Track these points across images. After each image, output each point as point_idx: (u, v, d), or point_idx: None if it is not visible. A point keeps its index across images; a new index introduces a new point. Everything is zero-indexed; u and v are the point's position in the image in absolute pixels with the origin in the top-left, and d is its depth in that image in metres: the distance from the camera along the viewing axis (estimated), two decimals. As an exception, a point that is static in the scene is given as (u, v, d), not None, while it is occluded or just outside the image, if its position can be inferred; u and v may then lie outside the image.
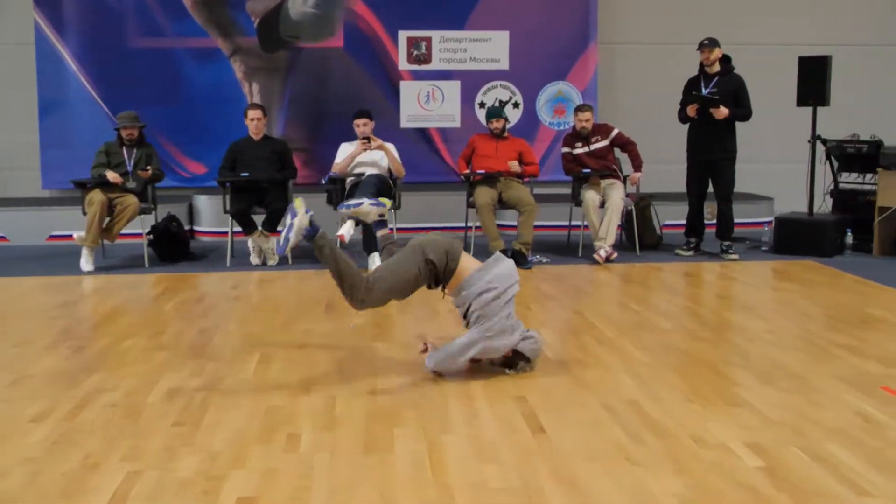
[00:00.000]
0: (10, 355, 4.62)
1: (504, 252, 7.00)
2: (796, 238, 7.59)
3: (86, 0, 8.94)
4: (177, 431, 3.51)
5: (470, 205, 7.45)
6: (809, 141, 7.79)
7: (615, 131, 7.64)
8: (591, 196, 7.37)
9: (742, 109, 7.30)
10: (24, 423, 3.62)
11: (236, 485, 3.00)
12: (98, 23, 8.98)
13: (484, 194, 7.25)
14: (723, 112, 7.19)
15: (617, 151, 7.73)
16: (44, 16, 8.91)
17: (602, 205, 7.40)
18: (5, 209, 8.56)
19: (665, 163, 8.73)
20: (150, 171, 7.27)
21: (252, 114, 7.46)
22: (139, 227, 7.45)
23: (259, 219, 7.36)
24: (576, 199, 7.65)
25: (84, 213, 7.13)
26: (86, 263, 7.03)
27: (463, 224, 8.06)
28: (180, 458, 3.24)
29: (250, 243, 7.33)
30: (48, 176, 9.08)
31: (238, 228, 7.30)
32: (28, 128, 9.03)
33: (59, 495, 2.93)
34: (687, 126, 7.56)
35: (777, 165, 9.62)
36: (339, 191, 7.47)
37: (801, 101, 7.67)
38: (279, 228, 4.27)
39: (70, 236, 7.33)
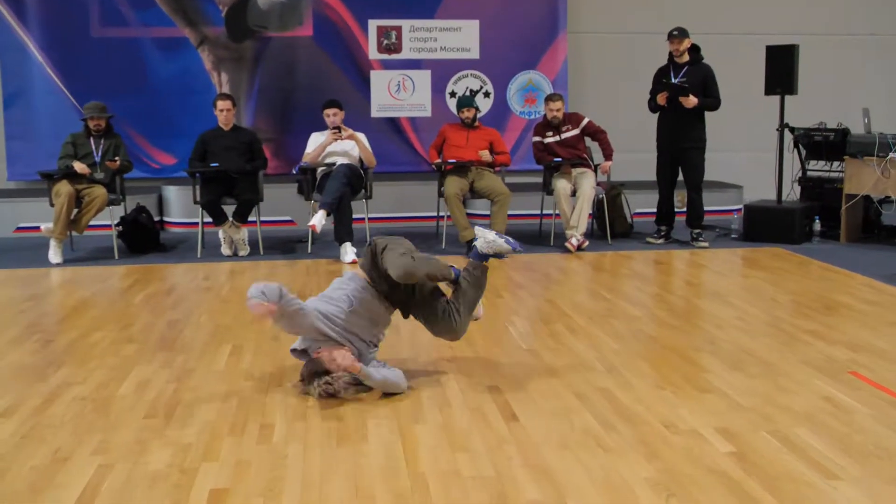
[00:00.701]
0: (-23, 349, 4.56)
1: (472, 242, 7.08)
2: (765, 226, 7.66)
3: (49, -12, 8.82)
4: (148, 424, 3.48)
5: (441, 194, 7.45)
6: (777, 129, 7.86)
7: (585, 120, 7.66)
8: (562, 185, 7.39)
9: (711, 99, 7.35)
10: (-9, 417, 3.58)
11: (209, 477, 2.98)
12: (62, 12, 8.84)
13: (453, 184, 7.25)
14: (692, 101, 7.24)
15: (588, 140, 7.75)
16: (6, 5, 8.77)
17: (573, 193, 7.42)
18: (-30, 201, 8.44)
19: (635, 151, 8.78)
20: (118, 162, 7.20)
21: (221, 104, 7.40)
22: (108, 219, 7.37)
23: (229, 209, 7.31)
24: (547, 188, 7.67)
25: (51, 205, 7.04)
26: (54, 255, 6.95)
27: (434, 214, 8.07)
28: (152, 451, 3.22)
29: (221, 234, 7.29)
30: (14, 167, 8.95)
31: (209, 219, 7.25)
32: (-8, 119, 8.90)
33: (29, 490, 2.90)
34: (657, 115, 7.60)
35: (746, 154, 9.70)
36: (310, 181, 7.43)
37: (769, 89, 7.73)
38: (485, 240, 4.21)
39: (38, 228, 7.25)
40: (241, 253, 7.23)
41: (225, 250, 7.26)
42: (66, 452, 3.20)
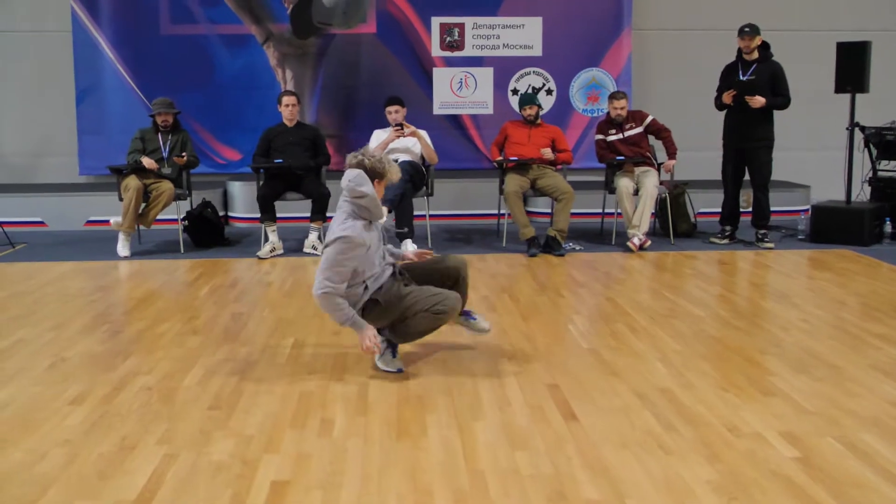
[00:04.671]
0: (48, 339, 4.69)
1: (535, 239, 7.07)
2: (833, 226, 7.49)
3: (121, -13, 9.02)
4: (211, 415, 3.55)
5: (502, 192, 7.43)
6: (847, 128, 7.68)
7: (649, 118, 7.58)
8: (624, 183, 7.32)
9: (780, 98, 7.20)
10: (61, 405, 3.67)
11: (270, 469, 3.03)
12: (133, 10, 9.05)
13: (513, 182, 7.23)
14: (759, 100, 7.10)
15: (651, 139, 7.67)
16: (81, 4, 8.99)
17: (636, 192, 7.35)
18: (43, 195, 8.67)
19: (700, 150, 8.66)
20: (185, 158, 7.33)
21: (286, 100, 7.48)
22: (174, 213, 7.51)
23: (293, 204, 7.40)
24: (609, 187, 7.61)
25: (120, 199, 7.20)
26: (122, 248, 7.10)
27: (495, 211, 8.06)
28: (215, 441, 3.27)
29: (266, 231, 7.25)
30: (85, 162, 9.19)
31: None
32: (65, 114, 9.14)
33: (97, 477, 2.97)
34: (723, 113, 7.48)
35: (814, 153, 9.50)
36: (371, 177, 7.47)
37: (840, 87, 7.56)
38: None
39: (107, 222, 7.42)
40: (278, 252, 7.17)
41: (263, 252, 7.10)
42: (132, 440, 3.28)
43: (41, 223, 8.57)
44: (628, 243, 7.19)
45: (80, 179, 9.27)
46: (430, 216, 7.64)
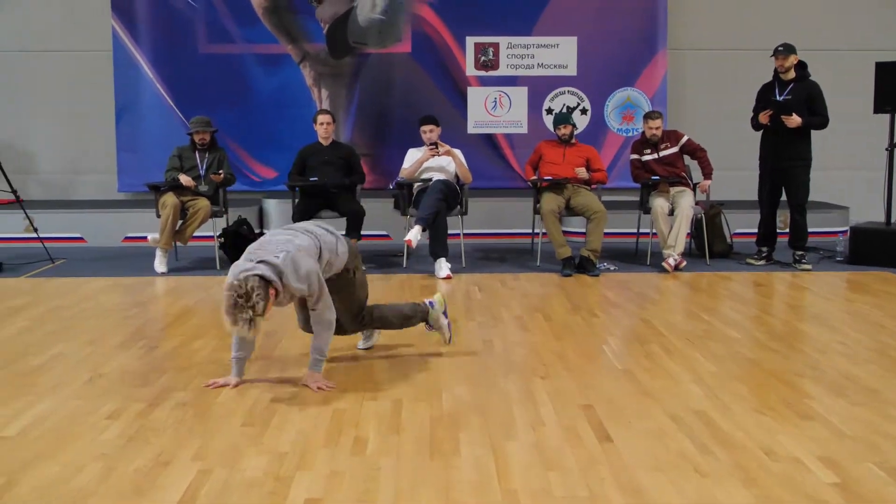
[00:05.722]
0: (86, 353, 4.74)
1: (570, 259, 7.05)
2: (872, 248, 7.39)
3: (160, 7, 9.16)
4: (245, 432, 3.56)
5: (537, 211, 7.43)
6: (887, 149, 7.59)
7: (685, 138, 7.55)
8: (659, 203, 7.28)
9: (817, 118, 7.14)
10: (98, 420, 3.71)
11: (303, 486, 3.03)
12: (172, 29, 9.19)
13: (550, 201, 7.22)
14: (795, 120, 7.05)
15: (686, 158, 7.63)
16: (121, 23, 9.15)
17: (671, 212, 7.31)
18: (82, 211, 8.81)
19: (736, 170, 8.61)
20: (221, 175, 7.41)
21: (321, 119, 7.54)
22: (211, 230, 7.59)
23: (331, 222, 7.43)
24: (644, 207, 7.57)
25: (158, 216, 7.29)
26: (159, 265, 7.18)
27: (529, 230, 8.05)
28: (248, 457, 3.28)
29: None
30: (123, 179, 9.32)
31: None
32: (105, 132, 9.29)
33: (133, 492, 2.99)
34: (759, 133, 7.43)
35: (853, 173, 9.40)
36: (406, 196, 7.51)
37: (879, 107, 7.48)
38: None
39: (144, 238, 7.51)
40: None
41: None
42: (167, 456, 3.30)
43: (80, 239, 8.70)
44: (663, 263, 7.14)
45: (119, 196, 9.40)
46: (465, 235, 7.65)
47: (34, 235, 7.72)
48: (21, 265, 7.50)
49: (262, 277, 3.80)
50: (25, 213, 7.70)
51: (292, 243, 4.01)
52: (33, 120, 9.40)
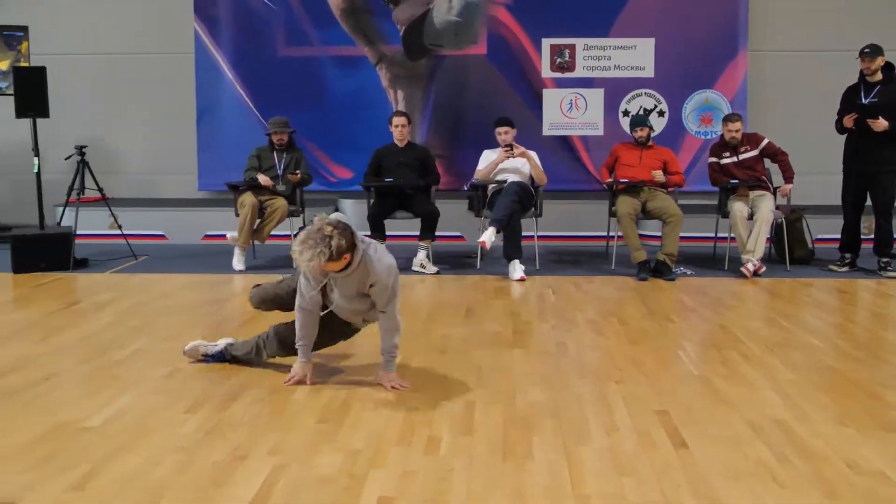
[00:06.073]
0: (165, 349, 4.85)
1: (646, 263, 6.97)
2: (961, 256, 7.14)
3: (240, 10, 9.34)
4: (320, 428, 3.60)
5: (612, 214, 7.36)
6: (979, 153, 7.31)
7: (765, 141, 7.39)
8: (738, 207, 7.15)
9: (905, 121, 6.93)
10: (177, 413, 3.79)
11: (377, 484, 3.05)
12: (252, 33, 9.36)
13: (626, 204, 7.14)
14: (882, 124, 6.84)
15: (767, 162, 7.48)
16: (203, 26, 9.35)
17: (750, 217, 7.17)
18: (164, 209, 9.03)
19: (819, 174, 8.41)
20: (298, 175, 7.51)
21: (397, 121, 7.59)
22: (288, 229, 7.70)
23: (403, 223, 7.50)
24: (722, 211, 7.44)
25: (236, 215, 7.43)
26: (237, 262, 7.31)
27: (604, 233, 7.98)
28: (323, 454, 3.32)
29: None
30: (204, 178, 9.52)
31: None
32: (186, 132, 9.50)
33: (210, 485, 3.05)
34: (844, 136, 7.24)
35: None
36: (480, 198, 7.51)
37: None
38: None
39: (223, 236, 7.66)
40: (429, 271, 7.25)
41: None
42: (244, 451, 3.36)
43: (162, 236, 8.92)
44: (742, 269, 7.01)
45: (199, 195, 9.61)
46: (539, 237, 7.62)
47: (118, 232, 7.95)
48: (106, 261, 7.72)
49: (352, 234, 3.80)
50: (111, 210, 7.93)
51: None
52: (120, 121, 9.67)
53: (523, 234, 7.10)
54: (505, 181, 7.31)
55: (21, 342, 4.99)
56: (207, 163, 9.48)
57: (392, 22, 9.32)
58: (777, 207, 7.28)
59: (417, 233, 7.39)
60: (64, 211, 8.04)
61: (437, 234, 7.41)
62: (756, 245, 7.03)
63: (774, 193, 7.35)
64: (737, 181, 7.29)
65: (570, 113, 9.33)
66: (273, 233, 7.49)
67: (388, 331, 4.11)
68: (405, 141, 7.64)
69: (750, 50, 9.17)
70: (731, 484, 3.05)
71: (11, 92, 7.76)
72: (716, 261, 7.67)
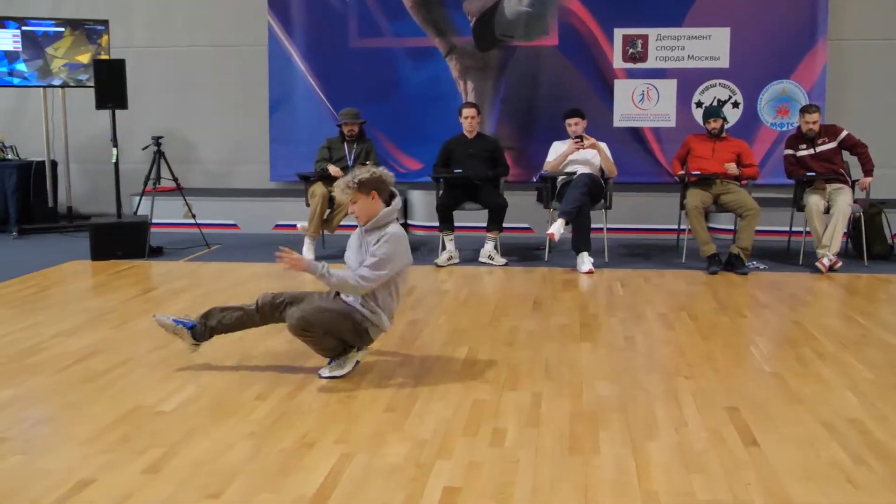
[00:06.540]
0: (237, 336, 4.91)
1: (716, 257, 6.85)
2: None
3: (313, 3, 9.42)
4: (387, 418, 3.63)
5: (683, 207, 7.25)
6: None
7: (844, 133, 7.20)
8: (815, 201, 6.98)
9: None
10: (248, 400, 3.86)
11: (443, 474, 3.06)
12: (324, 24, 9.44)
13: (695, 197, 7.03)
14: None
15: (846, 154, 7.28)
16: (276, 19, 9.47)
17: (827, 210, 6.99)
18: (237, 199, 9.18)
19: (900, 167, 8.16)
20: (368, 166, 7.55)
21: (466, 112, 7.58)
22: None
23: (474, 214, 7.50)
24: (798, 204, 7.27)
25: (307, 205, 7.51)
26: (307, 252, 7.40)
27: (675, 226, 7.86)
28: (390, 444, 3.35)
29: (444, 240, 7.35)
30: (276, 169, 9.65)
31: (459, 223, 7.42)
32: (259, 124, 9.63)
33: (278, 471, 3.10)
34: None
35: None
36: (549, 189, 7.47)
37: None
38: None
39: (294, 226, 7.76)
40: (497, 263, 7.23)
41: (441, 260, 7.22)
42: (312, 438, 3.40)
43: (234, 226, 9.07)
44: (817, 264, 6.84)
45: (271, 185, 9.74)
46: (608, 230, 7.54)
47: (192, 221, 8.11)
48: (180, 249, 7.88)
49: (390, 196, 4.26)
50: (185, 200, 8.09)
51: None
52: (195, 112, 9.85)
53: (592, 226, 7.04)
54: (574, 173, 7.26)
55: (99, 328, 5.13)
56: (279, 153, 9.61)
57: (463, 13, 9.30)
58: (855, 201, 7.09)
59: (485, 224, 7.38)
60: (140, 200, 8.23)
61: (505, 225, 7.39)
62: (832, 240, 6.85)
63: (853, 187, 7.15)
64: (813, 174, 7.11)
65: (641, 104, 9.21)
66: (342, 223, 7.55)
67: (349, 276, 4.09)
68: (475, 132, 7.62)
69: (829, 39, 8.93)
70: (803, 484, 2.99)
71: (92, 84, 7.97)
72: (790, 255, 7.50)
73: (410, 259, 4.29)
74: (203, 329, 4.34)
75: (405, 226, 8.97)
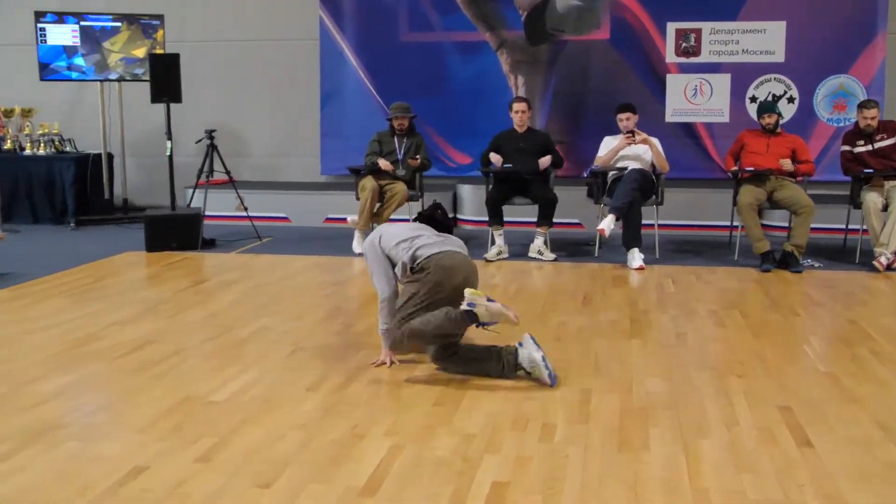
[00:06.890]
0: (288, 328, 4.99)
1: (769, 254, 6.75)
2: None
3: (365, -3, 9.50)
4: (436, 411, 3.64)
5: (735, 203, 7.15)
6: None
7: (903, 129, 7.05)
8: (872, 198, 6.84)
9: None
10: (299, 390, 3.90)
11: (491, 469, 3.07)
12: (375, 18, 9.48)
13: (748, 193, 6.93)
14: None
15: (905, 151, 7.13)
16: (328, 13, 9.53)
17: (885, 208, 6.85)
18: (288, 192, 9.27)
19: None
20: (418, 160, 7.58)
21: (517, 106, 7.56)
22: (406, 214, 7.78)
23: (524, 209, 7.49)
24: (854, 202, 7.14)
25: (357, 198, 7.56)
26: (357, 245, 7.44)
27: (727, 223, 7.77)
28: (438, 437, 3.36)
29: (493, 235, 7.34)
30: (326, 162, 9.72)
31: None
32: (310, 117, 9.71)
33: (329, 461, 3.13)
34: None
35: None
36: (600, 185, 7.42)
37: None
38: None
39: (344, 219, 7.81)
40: (546, 258, 7.21)
41: (490, 254, 7.22)
42: (362, 430, 3.43)
43: (285, 219, 9.15)
44: (874, 262, 6.71)
45: (321, 179, 9.82)
46: (659, 226, 7.47)
47: (244, 214, 8.21)
48: (232, 241, 7.98)
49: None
50: (237, 192, 8.18)
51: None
52: (247, 106, 9.96)
53: (643, 222, 6.98)
54: (625, 168, 7.20)
55: (153, 318, 5.22)
56: (330, 147, 9.68)
57: (514, 7, 9.28)
58: (914, 199, 6.94)
59: (535, 219, 7.36)
60: (193, 193, 8.36)
61: (555, 220, 7.35)
62: (890, 238, 6.71)
63: (912, 184, 7.01)
64: (871, 171, 6.97)
65: (694, 99, 9.10)
66: (392, 216, 7.58)
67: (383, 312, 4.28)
68: (525, 127, 7.60)
69: (889, 32, 8.73)
70: (858, 486, 2.94)
71: (147, 78, 8.09)
72: (846, 254, 7.37)
73: (400, 254, 4.47)
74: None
75: (455, 220, 8.98)
